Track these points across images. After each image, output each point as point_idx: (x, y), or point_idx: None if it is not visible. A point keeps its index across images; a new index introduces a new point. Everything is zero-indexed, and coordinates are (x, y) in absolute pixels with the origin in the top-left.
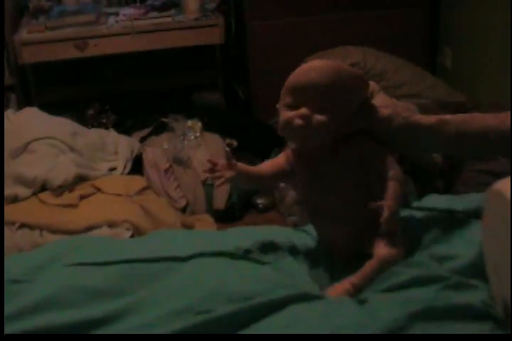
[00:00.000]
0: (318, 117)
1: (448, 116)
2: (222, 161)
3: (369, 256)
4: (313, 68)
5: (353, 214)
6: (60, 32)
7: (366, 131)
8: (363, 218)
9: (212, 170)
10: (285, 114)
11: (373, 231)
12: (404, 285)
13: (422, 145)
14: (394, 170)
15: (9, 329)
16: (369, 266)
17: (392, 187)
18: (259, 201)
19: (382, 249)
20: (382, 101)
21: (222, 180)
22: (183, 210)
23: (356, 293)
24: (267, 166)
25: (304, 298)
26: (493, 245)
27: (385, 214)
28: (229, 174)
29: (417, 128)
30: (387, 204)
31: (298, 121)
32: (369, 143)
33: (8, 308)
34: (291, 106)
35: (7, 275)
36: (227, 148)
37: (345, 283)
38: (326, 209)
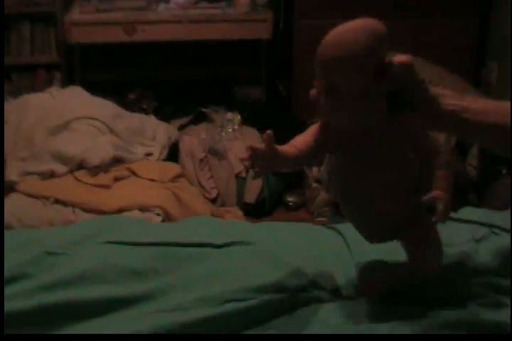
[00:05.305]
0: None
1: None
2: (262, 148)
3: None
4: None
5: (395, 202)
6: (110, 15)
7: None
8: (406, 207)
9: (252, 158)
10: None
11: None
12: (441, 301)
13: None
14: (440, 156)
15: (40, 299)
16: None
17: (442, 177)
18: (290, 199)
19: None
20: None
21: (260, 171)
22: (214, 201)
23: None
24: (303, 146)
25: (333, 296)
26: None
27: (440, 207)
28: (268, 164)
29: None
30: (440, 197)
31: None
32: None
33: (42, 279)
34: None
35: (42, 246)
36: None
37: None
38: (364, 196)
